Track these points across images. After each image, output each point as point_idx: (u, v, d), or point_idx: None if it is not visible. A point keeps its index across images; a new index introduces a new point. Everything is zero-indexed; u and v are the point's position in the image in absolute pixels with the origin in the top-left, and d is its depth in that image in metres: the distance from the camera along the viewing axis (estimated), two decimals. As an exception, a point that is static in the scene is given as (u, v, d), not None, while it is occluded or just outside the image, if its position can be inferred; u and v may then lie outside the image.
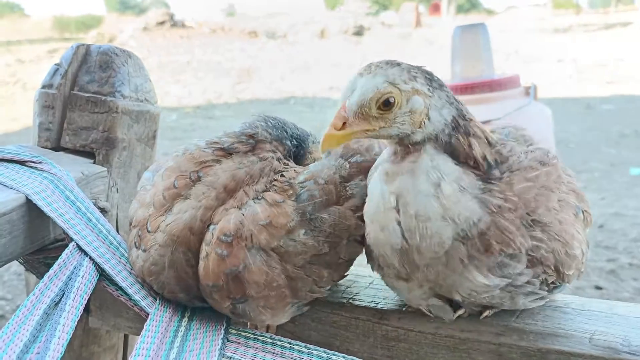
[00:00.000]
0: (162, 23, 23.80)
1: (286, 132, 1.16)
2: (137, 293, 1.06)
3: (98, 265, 1.08)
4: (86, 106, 1.37)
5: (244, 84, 16.94)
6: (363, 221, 1.01)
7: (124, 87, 1.39)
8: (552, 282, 1.00)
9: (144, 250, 1.03)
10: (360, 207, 1.03)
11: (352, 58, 20.04)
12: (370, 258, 1.04)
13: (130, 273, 1.10)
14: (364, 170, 1.07)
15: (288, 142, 1.15)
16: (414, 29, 28.05)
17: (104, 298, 1.28)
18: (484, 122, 1.23)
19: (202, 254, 0.98)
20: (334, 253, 1.03)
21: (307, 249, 0.99)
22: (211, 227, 0.99)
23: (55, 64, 1.43)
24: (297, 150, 1.18)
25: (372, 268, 1.07)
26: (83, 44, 1.43)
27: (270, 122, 1.14)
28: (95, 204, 1.26)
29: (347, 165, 1.07)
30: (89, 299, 1.06)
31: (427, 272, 0.94)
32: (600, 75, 16.80)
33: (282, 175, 1.05)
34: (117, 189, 1.41)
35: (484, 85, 3.59)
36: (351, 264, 1.10)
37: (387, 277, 1.03)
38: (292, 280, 1.00)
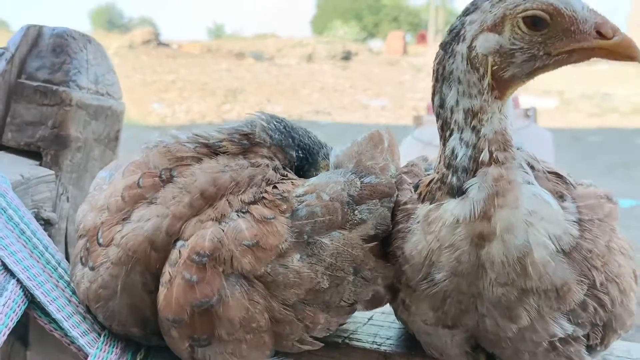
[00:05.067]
0: (147, 42, 23.83)
1: (293, 139, 0.95)
2: (75, 327, 0.83)
3: (27, 289, 0.85)
4: (34, 97, 1.15)
5: (230, 105, 16.89)
6: (375, 254, 0.82)
7: (81, 77, 1.17)
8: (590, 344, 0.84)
9: (92, 268, 0.81)
10: (372, 236, 0.82)
11: (339, 82, 20.13)
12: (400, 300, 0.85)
13: (70, 301, 0.87)
14: (378, 194, 0.86)
15: (292, 152, 0.95)
16: (401, 56, 28.41)
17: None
18: None
19: (164, 278, 0.76)
20: (335, 292, 0.80)
21: (301, 280, 0.77)
22: (179, 243, 0.77)
23: (1, 48, 1.21)
24: (302, 163, 0.97)
25: (397, 312, 0.87)
26: (35, 25, 1.21)
27: (274, 124, 0.94)
28: (36, 214, 1.04)
29: (359, 184, 0.86)
30: (26, 330, 0.87)
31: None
32: (586, 107, 17.06)
33: (274, 188, 0.84)
34: (67, 197, 1.18)
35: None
36: (354, 311, 0.86)
37: (420, 323, 0.83)
38: (278, 323, 0.77)
